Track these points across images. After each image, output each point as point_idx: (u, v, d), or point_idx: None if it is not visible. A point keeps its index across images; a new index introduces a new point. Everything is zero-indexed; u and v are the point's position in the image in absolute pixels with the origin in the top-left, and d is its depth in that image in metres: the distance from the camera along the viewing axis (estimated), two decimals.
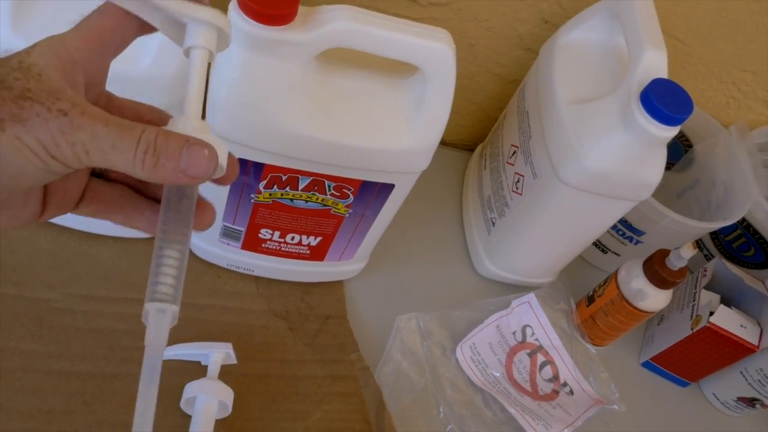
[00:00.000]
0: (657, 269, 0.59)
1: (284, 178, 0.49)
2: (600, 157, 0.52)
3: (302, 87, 0.44)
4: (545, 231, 0.61)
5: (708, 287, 0.67)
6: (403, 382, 0.58)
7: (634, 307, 0.61)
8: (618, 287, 0.62)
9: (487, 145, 0.72)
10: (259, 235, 0.55)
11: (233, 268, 0.60)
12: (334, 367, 0.57)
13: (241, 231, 0.55)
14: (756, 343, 0.61)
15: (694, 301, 0.66)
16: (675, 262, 0.58)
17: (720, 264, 0.66)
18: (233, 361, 0.53)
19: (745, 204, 0.66)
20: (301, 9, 0.42)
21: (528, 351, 0.64)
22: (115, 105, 0.31)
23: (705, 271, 0.67)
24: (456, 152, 0.79)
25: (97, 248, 0.57)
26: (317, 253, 0.58)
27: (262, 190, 0.50)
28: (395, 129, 0.47)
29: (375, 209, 0.53)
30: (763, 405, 0.67)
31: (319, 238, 0.56)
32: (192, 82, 0.30)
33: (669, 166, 0.77)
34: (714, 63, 0.72)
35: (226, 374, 0.52)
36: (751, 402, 0.67)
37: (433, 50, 0.44)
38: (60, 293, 0.54)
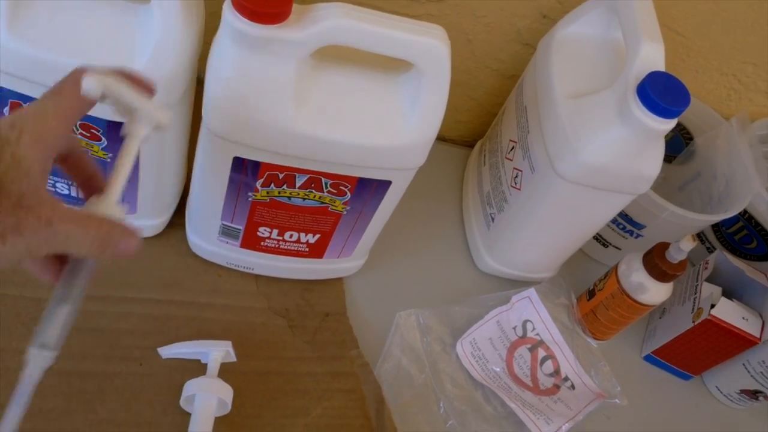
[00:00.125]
0: (657, 262, 0.59)
1: (281, 176, 0.49)
2: (597, 151, 0.52)
3: (297, 85, 0.44)
4: (544, 225, 0.61)
5: (709, 280, 0.66)
6: (402, 378, 0.58)
7: (635, 301, 0.61)
8: (618, 281, 0.62)
9: (486, 141, 0.72)
10: (258, 234, 0.55)
11: (233, 267, 0.60)
12: (334, 364, 0.57)
13: (240, 229, 0.55)
14: (758, 336, 0.61)
15: (695, 294, 0.66)
16: (675, 255, 0.58)
17: (721, 256, 0.66)
18: (233, 359, 0.53)
19: (746, 196, 0.66)
20: (295, 7, 0.42)
21: (529, 346, 0.64)
22: (71, 162, 0.36)
23: (706, 263, 0.67)
24: (456, 149, 0.79)
25: None
26: (316, 251, 0.58)
27: (259, 188, 0.50)
28: (391, 125, 0.47)
29: (372, 206, 0.53)
30: (766, 397, 0.66)
31: (317, 236, 0.56)
32: (120, 166, 0.36)
33: (670, 159, 0.77)
34: (714, 55, 0.71)
35: (226, 372, 0.52)
36: (754, 394, 0.67)
37: (428, 46, 0.44)
38: None
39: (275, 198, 0.51)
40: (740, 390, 0.67)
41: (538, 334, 0.65)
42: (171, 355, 0.53)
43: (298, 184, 0.50)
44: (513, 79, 0.74)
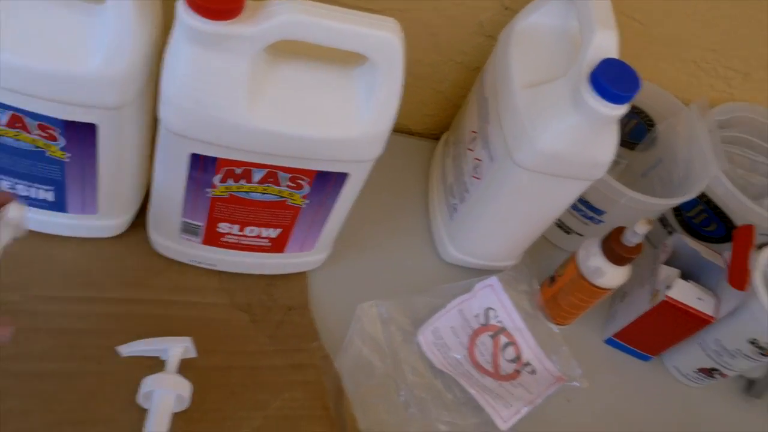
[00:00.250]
0: (613, 246, 0.60)
1: (238, 171, 0.49)
2: (552, 138, 0.53)
3: (252, 80, 0.44)
4: (504, 214, 0.61)
5: (669, 263, 0.68)
6: (363, 369, 0.59)
7: (593, 285, 0.62)
8: (577, 266, 0.63)
9: (451, 133, 0.73)
10: (218, 230, 0.55)
11: (196, 264, 0.60)
12: (296, 357, 0.57)
13: (200, 226, 0.55)
14: (712, 315, 0.63)
15: (653, 276, 0.67)
16: (630, 239, 0.59)
17: (679, 239, 0.67)
18: (193, 354, 0.53)
19: (703, 180, 0.67)
20: (248, 3, 0.42)
21: (491, 333, 0.65)
22: None
23: (665, 246, 0.68)
24: (423, 141, 0.79)
25: (58, 249, 0.57)
26: (277, 245, 0.58)
27: (217, 184, 0.50)
28: (346, 118, 0.47)
29: (331, 199, 0.53)
30: (721, 374, 0.68)
31: (278, 230, 0.56)
32: None
33: (633, 145, 0.78)
34: (674, 42, 0.72)
35: (186, 368, 0.52)
36: (710, 372, 0.69)
37: (380, 39, 0.44)
38: (21, 295, 0.54)
39: (234, 193, 0.51)
40: (697, 369, 0.69)
41: (500, 322, 0.66)
42: (131, 353, 0.52)
43: (256, 179, 0.50)
44: (477, 71, 0.74)
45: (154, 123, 0.53)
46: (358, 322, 0.60)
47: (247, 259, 0.59)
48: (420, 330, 0.63)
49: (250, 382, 0.55)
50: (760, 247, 0.65)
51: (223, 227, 0.55)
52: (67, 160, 0.50)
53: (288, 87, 0.46)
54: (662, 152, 0.74)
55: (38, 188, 0.53)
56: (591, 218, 0.69)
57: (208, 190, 0.51)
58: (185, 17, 0.41)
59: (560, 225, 0.73)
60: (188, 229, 0.55)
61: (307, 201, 0.53)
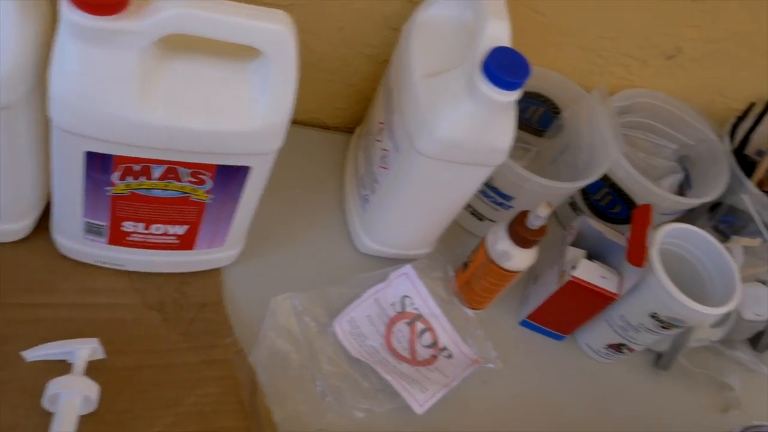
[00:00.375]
0: (518, 230, 0.62)
1: (137, 168, 0.49)
2: (450, 126, 0.54)
3: (143, 75, 0.44)
4: (412, 203, 0.63)
5: (576, 244, 0.70)
6: (279, 361, 0.59)
7: (502, 268, 0.64)
8: (486, 251, 0.65)
9: (362, 126, 0.74)
10: (123, 229, 0.55)
11: (104, 265, 0.59)
12: (209, 353, 0.57)
13: (104, 225, 0.54)
14: (616, 292, 0.66)
15: (561, 258, 0.69)
16: (534, 222, 0.62)
17: (584, 221, 0.70)
18: (101, 356, 0.52)
19: (603, 164, 0.70)
20: None
21: (407, 320, 0.67)
22: None
23: (571, 229, 0.71)
24: (338, 135, 0.80)
25: None
26: (186, 242, 0.58)
27: (116, 182, 0.50)
28: (241, 111, 0.47)
29: (236, 193, 0.54)
30: (629, 349, 0.71)
31: (185, 227, 0.56)
32: None
33: (541, 133, 0.81)
34: (573, 32, 0.75)
35: (95, 370, 0.52)
36: (618, 348, 0.72)
37: (271, 31, 0.44)
38: None
39: (135, 191, 0.51)
40: (607, 345, 0.72)
41: (416, 309, 0.67)
42: (36, 357, 0.52)
43: (155, 176, 0.50)
44: (386, 64, 0.75)
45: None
46: (272, 316, 0.61)
47: (157, 258, 0.59)
48: (335, 320, 0.64)
49: (162, 381, 0.55)
50: (658, 226, 0.69)
51: (128, 226, 0.54)
52: None
53: (181, 81, 0.46)
54: (568, 138, 0.76)
55: None
56: (501, 204, 0.72)
57: (108, 188, 0.50)
58: (69, 14, 0.41)
59: (473, 212, 0.75)
60: (92, 230, 0.55)
61: (211, 196, 0.53)
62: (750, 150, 0.86)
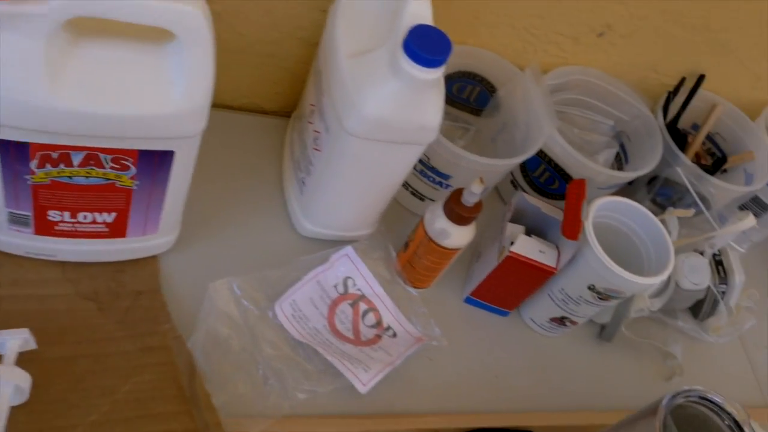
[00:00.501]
0: (453, 207, 0.63)
1: (55, 155, 0.48)
2: (376, 105, 0.55)
3: (52, 60, 0.44)
4: (346, 183, 0.63)
5: (516, 221, 0.71)
6: (219, 346, 0.59)
7: (440, 246, 0.65)
8: (424, 229, 0.65)
9: (297, 109, 0.74)
10: (49, 218, 0.54)
11: (33, 256, 0.58)
12: (146, 340, 0.57)
13: (29, 216, 0.54)
14: (554, 266, 0.67)
15: (501, 234, 0.70)
16: (468, 199, 0.62)
17: (520, 197, 0.71)
18: (33, 346, 0.52)
19: (537, 141, 0.71)
20: None
21: (350, 301, 0.67)
22: None
23: (509, 205, 0.72)
24: (277, 120, 0.80)
25: None
26: (117, 230, 0.57)
27: (35, 170, 0.49)
28: (158, 95, 0.47)
29: (163, 178, 0.53)
30: (571, 322, 0.73)
31: (113, 214, 0.55)
32: None
33: (479, 112, 0.82)
34: (503, 11, 0.76)
35: (27, 362, 0.51)
36: (561, 321, 0.73)
37: (181, 13, 0.44)
38: None
39: (56, 179, 0.50)
40: (550, 319, 0.73)
41: (359, 290, 0.68)
42: None
43: (76, 163, 0.49)
44: (317, 46, 0.75)
45: None
46: (210, 301, 0.61)
47: (88, 247, 0.58)
48: (276, 303, 0.64)
49: (98, 369, 0.55)
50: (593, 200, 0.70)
51: (54, 215, 0.54)
52: None
53: (93, 66, 0.45)
54: (505, 117, 0.77)
55: None
56: (439, 183, 0.72)
57: (28, 177, 0.50)
58: None
59: (413, 192, 0.75)
60: (17, 220, 0.54)
61: (137, 182, 0.53)
62: (685, 124, 0.88)
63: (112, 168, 0.51)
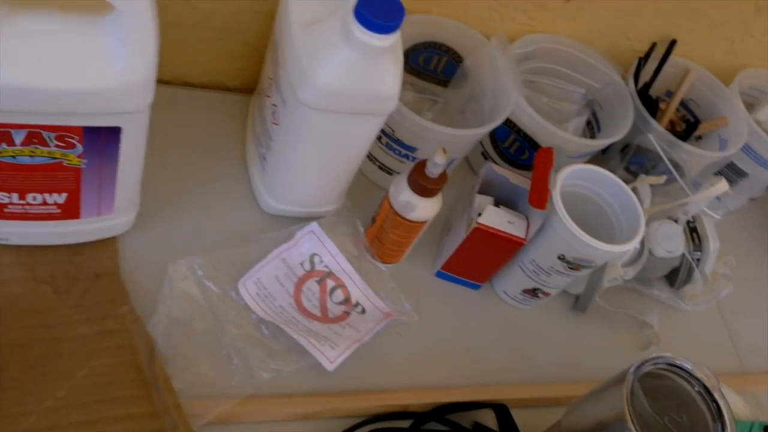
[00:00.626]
0: (418, 179, 0.62)
1: None
2: (330, 74, 0.53)
3: None
4: (306, 157, 0.62)
5: (485, 192, 0.70)
6: (180, 328, 0.58)
7: (406, 219, 0.64)
8: (390, 203, 0.64)
9: (258, 84, 0.72)
10: None
11: None
12: (104, 323, 0.56)
13: None
14: (523, 236, 0.66)
15: (470, 206, 0.69)
16: (432, 170, 0.61)
17: (488, 168, 0.70)
18: None
19: (505, 109, 0.70)
20: None
21: (317, 278, 0.66)
22: None
23: (478, 177, 0.71)
24: (241, 96, 0.78)
25: None
26: (70, 211, 0.56)
27: None
28: (98, 69, 0.45)
29: (112, 156, 0.52)
30: (544, 293, 0.72)
31: (63, 195, 0.54)
32: None
33: (446, 83, 0.80)
34: None
35: None
36: (533, 292, 0.72)
37: None
38: None
39: None
40: (522, 290, 0.72)
41: (326, 266, 0.67)
42: None
43: (18, 141, 0.48)
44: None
45: None
46: (170, 282, 0.59)
47: (41, 230, 0.57)
48: (240, 282, 0.63)
49: (54, 354, 0.54)
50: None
51: (2, 197, 0.52)
52: None
53: (30, 40, 0.44)
54: (473, 87, 0.76)
55: None
56: (406, 156, 0.71)
57: None
58: None
59: (380, 166, 0.74)
60: None
61: (84, 160, 0.51)
62: (659, 91, 0.87)
63: (57, 146, 0.49)
